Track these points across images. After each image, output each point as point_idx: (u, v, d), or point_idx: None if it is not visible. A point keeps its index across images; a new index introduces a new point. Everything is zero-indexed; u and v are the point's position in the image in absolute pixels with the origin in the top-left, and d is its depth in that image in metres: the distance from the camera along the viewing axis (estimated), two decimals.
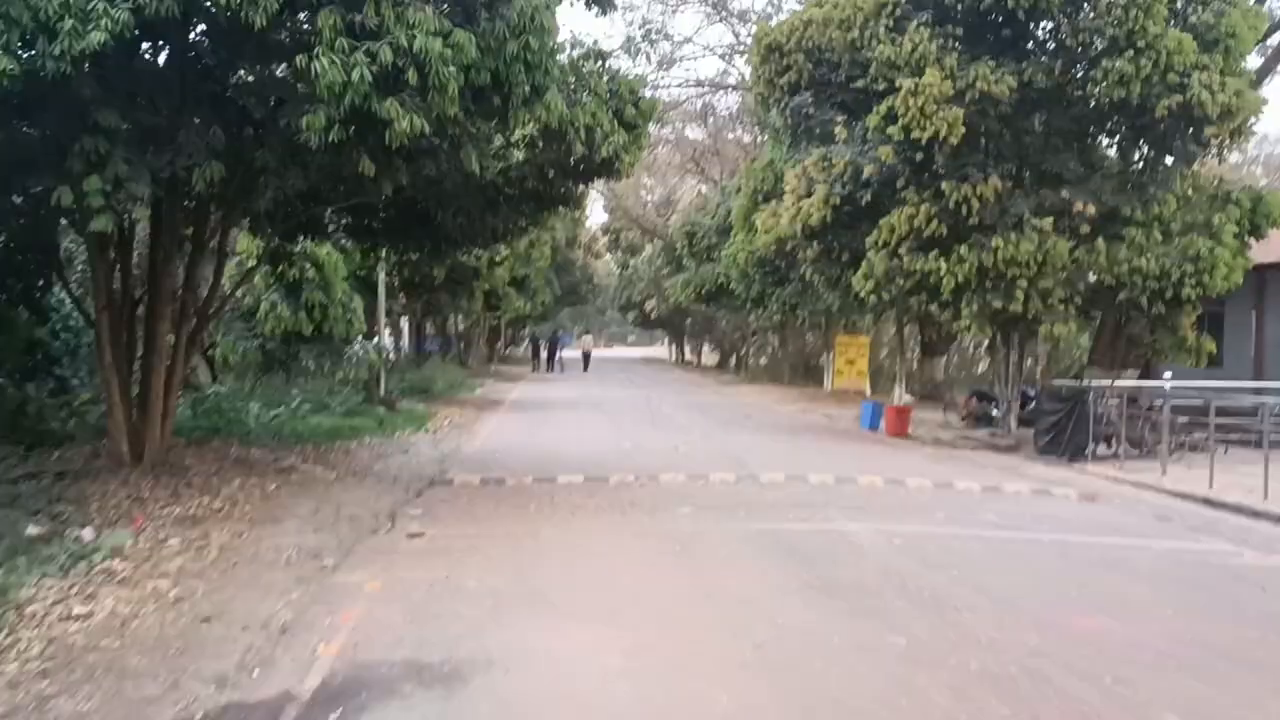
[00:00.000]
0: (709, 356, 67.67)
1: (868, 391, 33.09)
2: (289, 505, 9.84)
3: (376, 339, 19.60)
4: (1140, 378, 20.38)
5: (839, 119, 18.47)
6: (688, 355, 72.32)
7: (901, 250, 16.93)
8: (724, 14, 35.23)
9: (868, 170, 17.39)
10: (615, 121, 11.22)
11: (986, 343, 22.68)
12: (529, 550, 7.99)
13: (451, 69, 8.08)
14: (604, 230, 62.03)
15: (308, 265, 17.19)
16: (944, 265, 16.24)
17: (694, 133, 51.37)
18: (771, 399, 31.13)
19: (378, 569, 7.42)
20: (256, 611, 6.16)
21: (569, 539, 8.46)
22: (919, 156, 16.13)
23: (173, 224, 11.00)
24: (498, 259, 23.15)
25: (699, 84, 39.43)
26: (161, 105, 9.20)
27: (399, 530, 8.90)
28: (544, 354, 51.19)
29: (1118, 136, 16.63)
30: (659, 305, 58.30)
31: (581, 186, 12.40)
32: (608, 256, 67.23)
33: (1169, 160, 17.23)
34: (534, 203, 12.53)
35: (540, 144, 11.61)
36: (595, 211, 58.73)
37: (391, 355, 19.27)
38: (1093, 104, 16.82)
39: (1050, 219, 16.05)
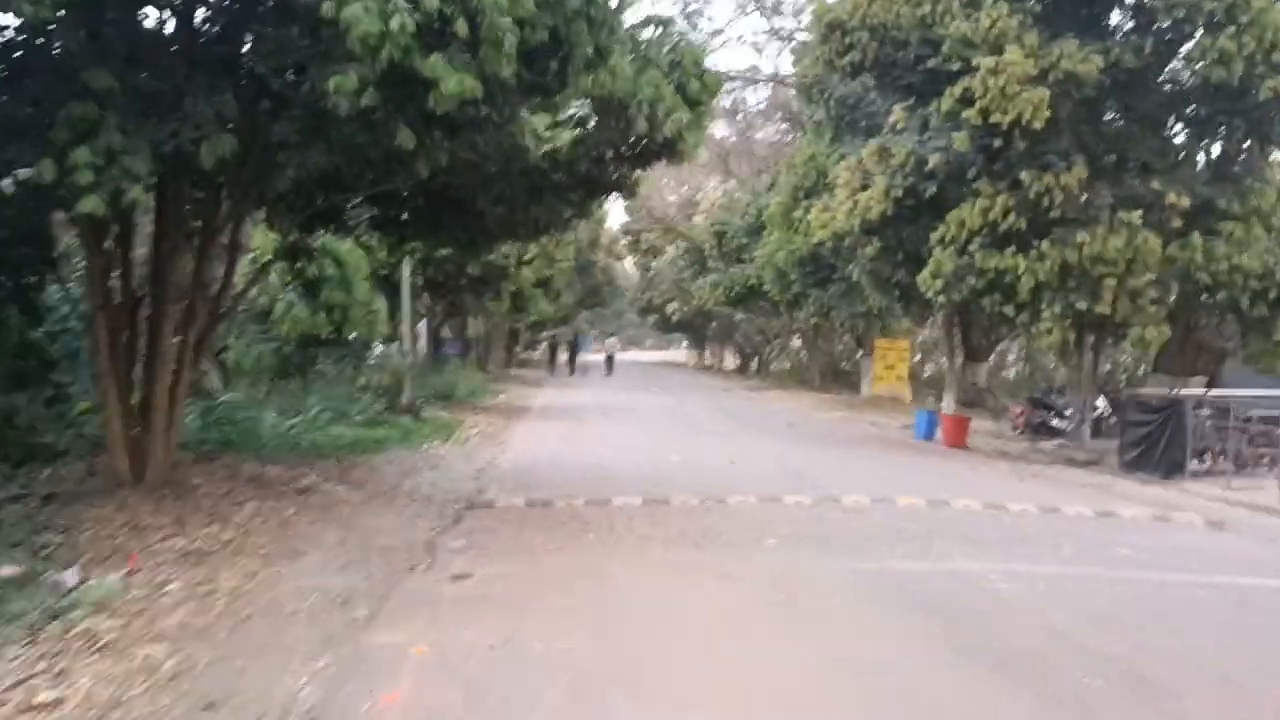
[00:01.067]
0: (729, 361, 66.28)
1: (907, 398, 31.67)
2: (310, 534, 8.50)
3: (399, 342, 18.28)
4: (1208, 386, 18.96)
5: (903, 104, 17.07)
6: (708, 359, 70.97)
7: (973, 246, 15.53)
8: (759, 2, 33.71)
9: (933, 160, 16.00)
10: (678, 97, 9.87)
11: (1052, 348, 21.26)
12: (600, 599, 6.61)
13: (507, 20, 6.74)
14: (624, 232, 60.67)
15: (327, 262, 15.88)
16: (1022, 263, 14.85)
17: (720, 130, 50.14)
18: (806, 405, 29.73)
19: (422, 624, 6.06)
20: (273, 692, 4.81)
21: (645, 583, 7.08)
22: (996, 143, 14.72)
23: (179, 211, 9.69)
24: (527, 258, 21.85)
25: (730, 78, 37.94)
26: (165, 67, 7.90)
27: (440, 567, 7.54)
28: (562, 357, 50.14)
29: (1218, 123, 15.13)
30: (681, 308, 56.95)
31: (638, 171, 11.04)
32: (629, 259, 65.85)
33: (1267, 148, 15.84)
34: (584, 190, 11.16)
35: (593, 121, 10.26)
36: (615, 212, 57.50)
37: (410, 359, 17.94)
38: (1185, 87, 15.43)
39: (1138, 212, 14.63)
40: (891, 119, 17.98)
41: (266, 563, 7.43)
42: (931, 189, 16.33)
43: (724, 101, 44.04)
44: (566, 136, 10.39)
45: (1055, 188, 14.57)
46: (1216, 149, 16.66)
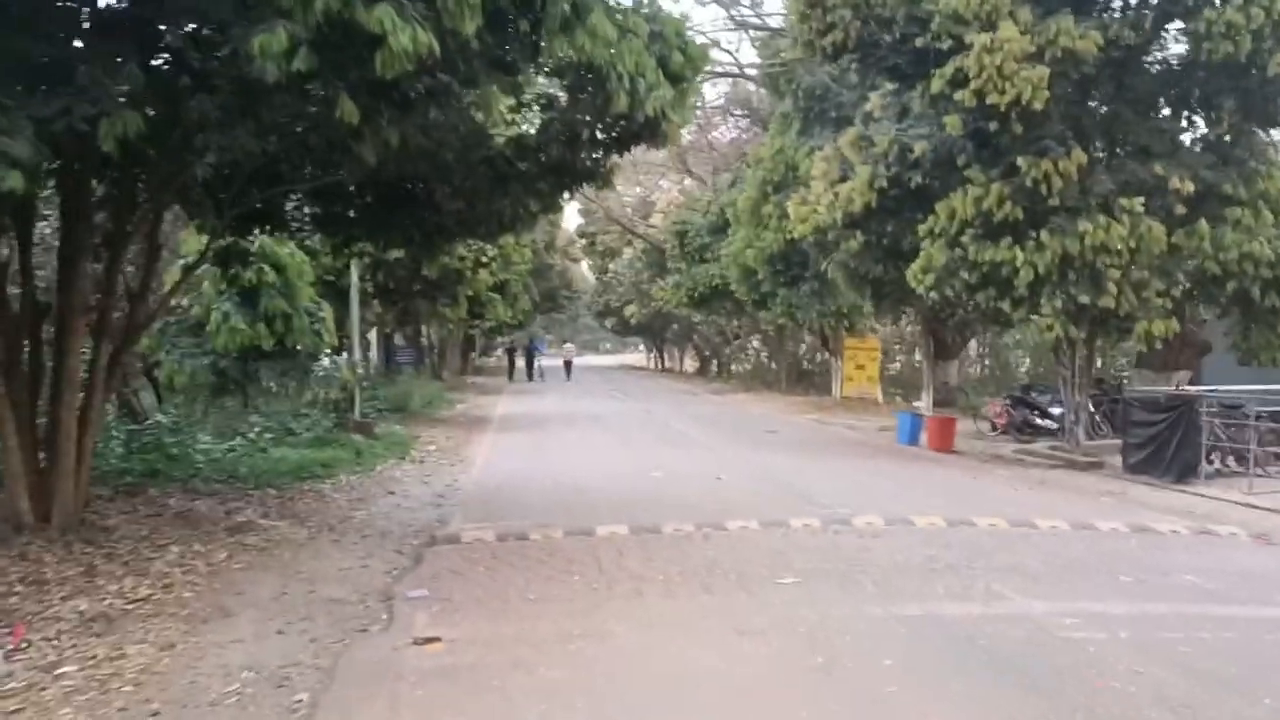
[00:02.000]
0: (689, 363, 65.21)
1: (879, 399, 30.79)
2: (244, 585, 7.18)
3: (348, 353, 16.92)
4: (1191, 381, 18.22)
5: (885, 90, 16.05)
6: (668, 362, 69.84)
7: (965, 238, 14.51)
8: None
9: (919, 148, 14.98)
10: (659, 72, 8.66)
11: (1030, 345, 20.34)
12: (602, 671, 5.38)
13: None
14: (580, 234, 59.42)
15: (266, 267, 14.48)
16: (1019, 254, 13.85)
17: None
18: (777, 409, 28.70)
19: (380, 713, 4.81)
20: None
21: (652, 644, 5.85)
22: (992, 126, 13.70)
23: (84, 205, 8.32)
24: (485, 259, 20.53)
25: None
26: (54, 31, 6.57)
27: (400, 627, 6.26)
28: (520, 363, 48.88)
29: (1216, 103, 14.24)
30: (640, 311, 55.82)
31: (615, 157, 9.81)
32: (585, 261, 64.58)
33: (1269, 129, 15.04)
34: (553, 179, 9.90)
35: (565, 99, 9.04)
36: (570, 214, 56.20)
37: (361, 370, 16.59)
38: (1183, 65, 14.57)
39: (1140, 199, 13.71)
40: (867, 107, 16.97)
41: (188, 628, 6.12)
42: (917, 178, 15.29)
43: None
44: (535, 118, 9.14)
45: (1054, 174, 13.59)
46: (1211, 130, 15.79)
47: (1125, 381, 21.90)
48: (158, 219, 9.26)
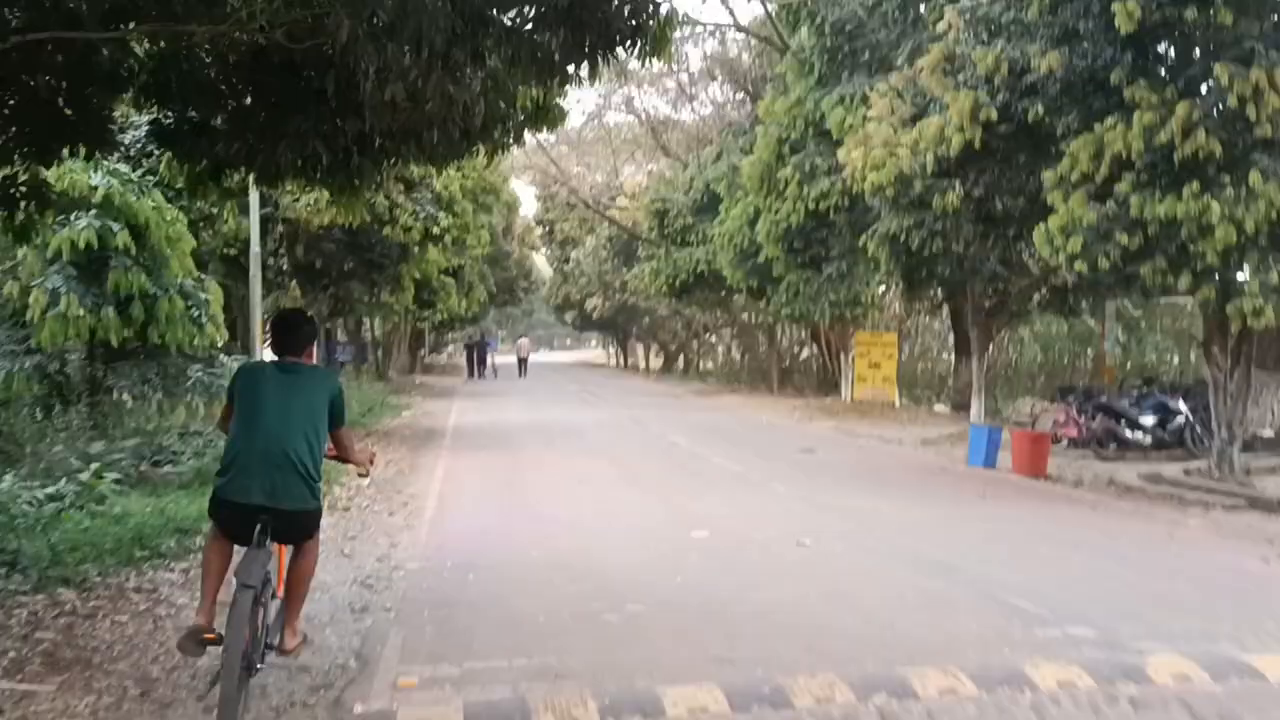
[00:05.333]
0: (653, 360, 60.66)
1: (895, 402, 26.61)
2: None
3: (250, 352, 12.22)
4: None
5: None
6: (630, 359, 65.17)
7: (1122, 186, 10.26)
8: None
9: (1047, 61, 10.68)
10: None
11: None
12: None
13: None
14: (537, 221, 54.73)
15: (115, 225, 9.77)
16: (1215, 207, 9.60)
17: (650, 99, 44.86)
18: (779, 414, 24.41)
19: None
20: None
21: None
22: (1189, 13, 9.43)
23: None
24: (438, 227, 15.83)
25: (682, 22, 32.43)
26: None
27: None
28: (475, 358, 44.39)
29: None
30: (603, 304, 51.30)
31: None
32: (543, 251, 59.84)
33: None
34: (568, 33, 5.38)
35: None
36: (526, 200, 51.49)
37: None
38: None
39: None
40: (942, 25, 12.61)
41: None
42: (1036, 108, 11.02)
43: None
44: None
45: (1268, 88, 9.39)
46: None
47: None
48: None
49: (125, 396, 10.30)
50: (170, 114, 7.11)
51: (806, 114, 19.52)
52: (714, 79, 33.63)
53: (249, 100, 6.89)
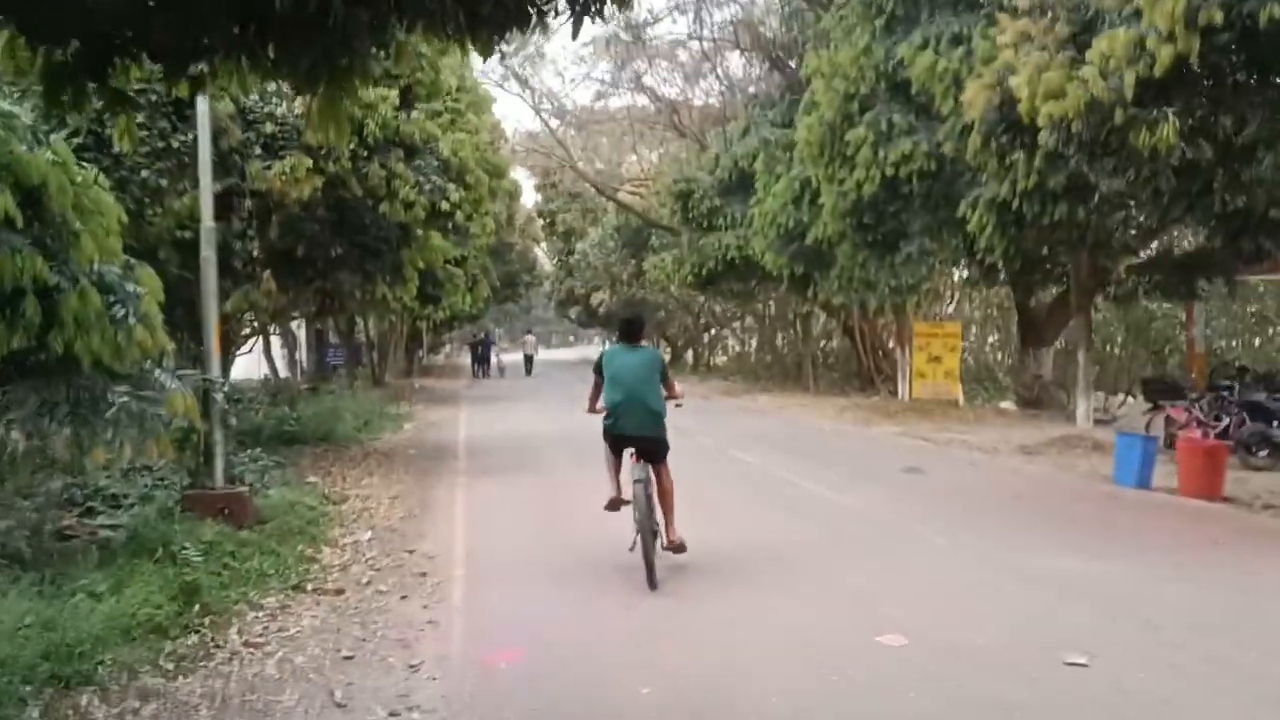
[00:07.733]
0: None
1: (959, 400, 23.59)
2: None
3: (200, 364, 9.07)
4: None
5: None
6: None
7: None
8: None
9: None
10: None
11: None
12: None
13: None
14: (539, 212, 51.66)
15: None
16: None
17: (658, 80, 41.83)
18: (833, 416, 21.40)
19: None
20: None
21: None
22: None
23: None
24: (447, 202, 12.74)
25: None
26: None
27: None
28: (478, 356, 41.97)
29: None
30: (609, 298, 48.21)
31: None
32: (544, 244, 56.76)
33: None
34: None
35: None
36: (527, 190, 48.34)
37: (223, 394, 8.69)
38: None
39: None
40: None
41: None
42: (1276, 7, 7.96)
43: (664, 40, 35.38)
44: None
45: None
46: None
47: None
48: None
49: (14, 434, 7.15)
50: None
51: (877, 65, 16.41)
52: (738, 47, 30.42)
53: None
